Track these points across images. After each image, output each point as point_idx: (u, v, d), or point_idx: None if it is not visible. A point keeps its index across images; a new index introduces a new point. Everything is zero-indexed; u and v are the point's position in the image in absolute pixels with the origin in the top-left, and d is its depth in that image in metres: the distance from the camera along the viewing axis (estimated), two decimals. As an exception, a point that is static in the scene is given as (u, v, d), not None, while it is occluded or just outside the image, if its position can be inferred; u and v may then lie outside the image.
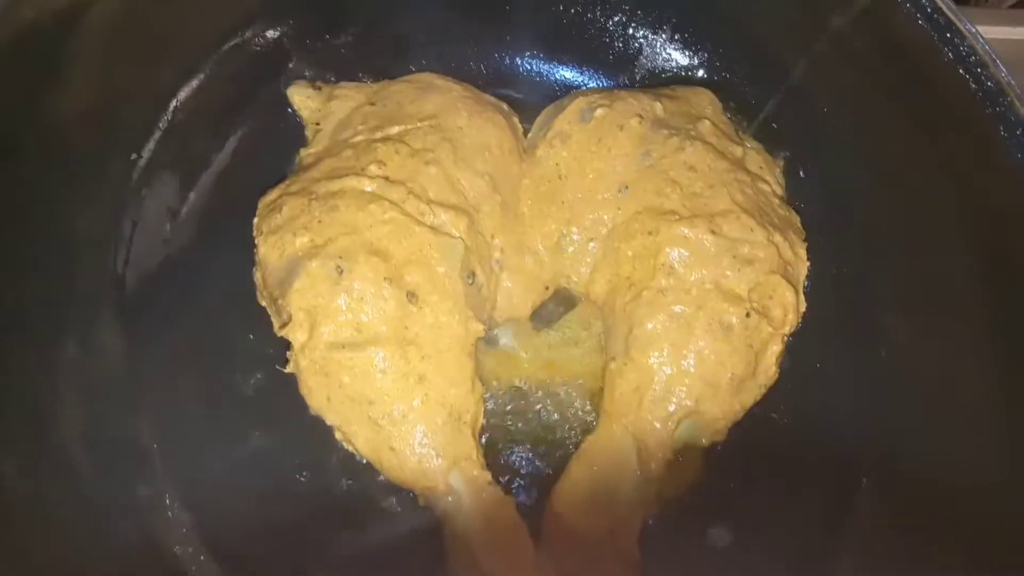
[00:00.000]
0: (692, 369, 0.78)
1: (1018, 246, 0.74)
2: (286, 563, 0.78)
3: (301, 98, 0.90)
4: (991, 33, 0.89)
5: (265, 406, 0.84)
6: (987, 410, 0.76)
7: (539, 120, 0.93)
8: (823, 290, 0.90)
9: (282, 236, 0.74)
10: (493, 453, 0.83)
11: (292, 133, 0.90)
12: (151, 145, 0.82)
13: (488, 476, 0.74)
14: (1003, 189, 0.76)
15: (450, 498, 0.72)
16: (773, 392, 0.88)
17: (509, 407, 0.86)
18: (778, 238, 0.83)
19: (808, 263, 0.86)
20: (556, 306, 0.91)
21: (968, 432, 0.78)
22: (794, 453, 0.89)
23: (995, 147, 0.75)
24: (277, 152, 0.88)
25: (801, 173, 0.96)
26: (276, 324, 0.76)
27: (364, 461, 0.78)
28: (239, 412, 0.84)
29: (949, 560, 0.72)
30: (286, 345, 0.77)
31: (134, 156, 0.81)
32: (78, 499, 0.72)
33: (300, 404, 0.80)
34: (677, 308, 0.79)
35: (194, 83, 0.84)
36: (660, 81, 1.00)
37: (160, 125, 0.82)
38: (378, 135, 0.83)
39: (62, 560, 0.68)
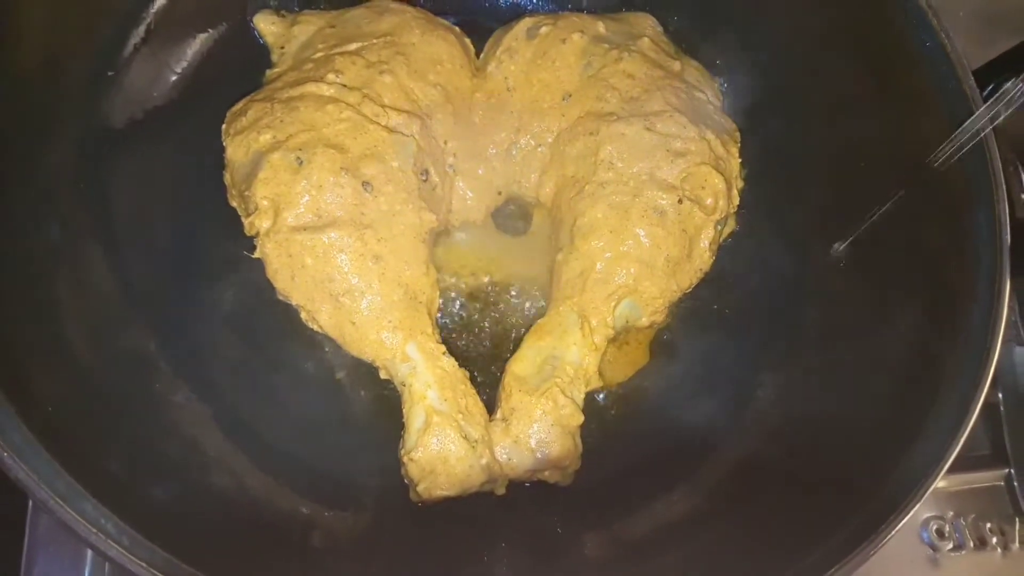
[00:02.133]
0: (630, 252, 0.84)
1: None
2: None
3: (266, 25, 0.96)
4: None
5: (241, 314, 0.91)
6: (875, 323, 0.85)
7: (490, 41, 1.00)
8: (758, 188, 0.98)
9: (247, 135, 0.80)
10: (449, 340, 0.90)
11: (258, 58, 0.96)
12: (121, 64, 0.88)
13: (443, 348, 0.80)
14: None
15: (407, 365, 0.78)
16: (717, 287, 0.96)
17: (465, 301, 0.92)
18: (710, 135, 0.89)
19: (740, 160, 0.93)
20: (514, 211, 0.98)
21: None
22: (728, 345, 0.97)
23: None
24: (244, 75, 0.94)
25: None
26: (244, 220, 0.82)
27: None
28: (220, 321, 0.90)
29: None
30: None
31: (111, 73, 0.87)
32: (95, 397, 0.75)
33: (272, 312, 0.87)
34: (616, 198, 0.85)
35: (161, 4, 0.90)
36: (605, 9, 1.07)
37: (134, 44, 0.88)
38: (336, 51, 0.89)
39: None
